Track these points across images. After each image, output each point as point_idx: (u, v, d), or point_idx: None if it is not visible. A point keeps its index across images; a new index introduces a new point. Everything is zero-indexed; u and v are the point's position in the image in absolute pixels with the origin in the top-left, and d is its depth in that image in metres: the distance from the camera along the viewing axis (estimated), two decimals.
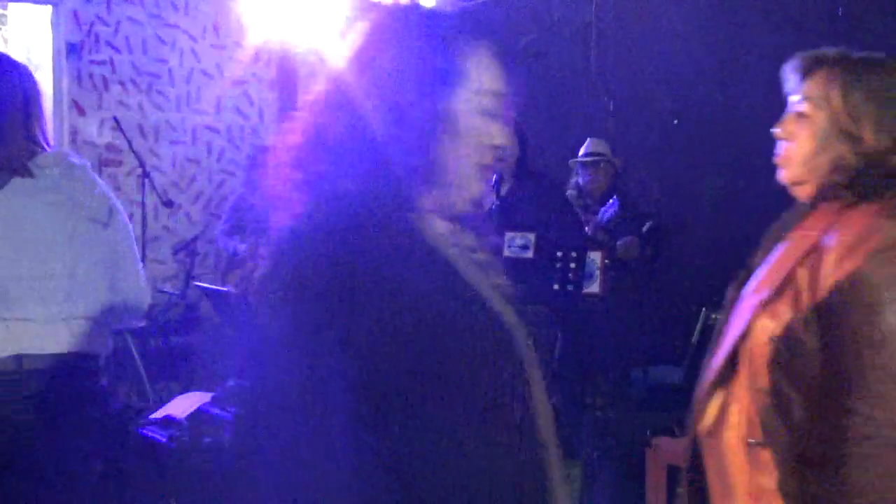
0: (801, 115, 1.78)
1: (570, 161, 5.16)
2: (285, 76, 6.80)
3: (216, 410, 3.86)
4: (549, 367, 4.48)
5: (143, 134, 6.18)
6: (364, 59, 1.36)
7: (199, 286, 5.61)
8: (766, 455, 1.68)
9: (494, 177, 4.11)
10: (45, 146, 2.47)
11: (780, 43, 5.39)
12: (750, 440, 1.69)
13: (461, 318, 1.24)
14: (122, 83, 6.08)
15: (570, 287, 3.80)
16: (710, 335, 5.44)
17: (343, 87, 1.36)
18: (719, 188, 5.61)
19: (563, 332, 4.97)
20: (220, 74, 6.49)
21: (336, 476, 1.17)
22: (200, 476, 3.66)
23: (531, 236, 4.05)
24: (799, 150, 1.78)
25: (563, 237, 4.02)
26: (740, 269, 1.89)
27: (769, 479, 1.66)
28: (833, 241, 1.63)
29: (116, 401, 3.98)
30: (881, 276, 1.58)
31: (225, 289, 5.52)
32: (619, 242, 4.69)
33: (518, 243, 4.06)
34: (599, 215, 4.78)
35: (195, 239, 5.96)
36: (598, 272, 4.47)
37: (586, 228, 4.81)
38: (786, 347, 1.66)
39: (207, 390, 4.27)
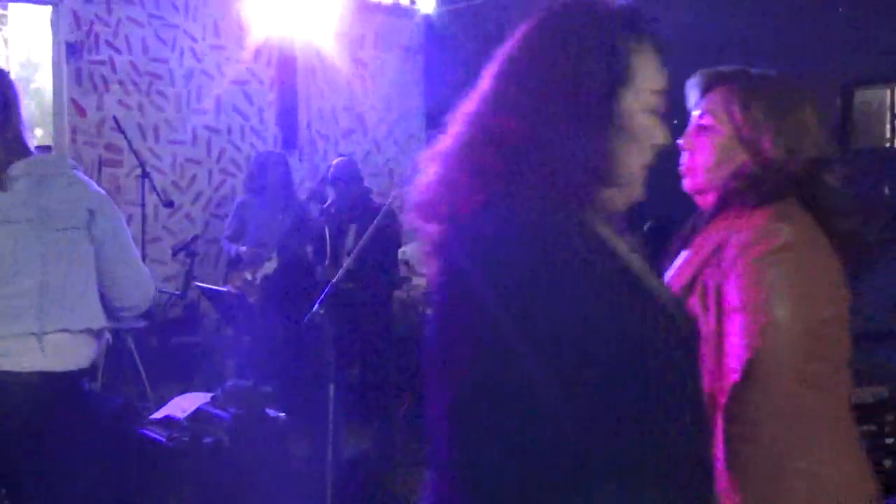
0: (703, 127, 1.88)
1: None
2: (285, 76, 6.81)
3: (216, 410, 3.87)
4: None
5: (143, 134, 6.18)
6: (534, 57, 1.39)
7: (199, 286, 5.62)
8: None
9: None
10: (23, 152, 2.43)
11: (779, 43, 5.39)
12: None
13: (641, 314, 1.30)
14: (121, 83, 6.08)
15: None
16: None
17: (515, 86, 1.38)
18: None
19: None
20: (220, 74, 6.49)
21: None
22: (200, 476, 3.66)
23: None
24: (702, 160, 1.88)
25: None
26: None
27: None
28: (733, 241, 1.73)
29: (116, 401, 3.98)
30: (773, 274, 1.68)
31: (225, 289, 5.53)
32: None
33: None
34: None
35: (195, 239, 5.96)
36: None
37: None
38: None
39: (207, 390, 4.28)
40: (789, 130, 1.83)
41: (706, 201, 1.90)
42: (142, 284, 2.59)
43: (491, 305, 1.23)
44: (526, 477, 1.23)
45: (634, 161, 1.41)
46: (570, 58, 1.35)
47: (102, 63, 6.02)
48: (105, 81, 6.02)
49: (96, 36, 6.00)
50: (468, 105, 1.45)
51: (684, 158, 1.92)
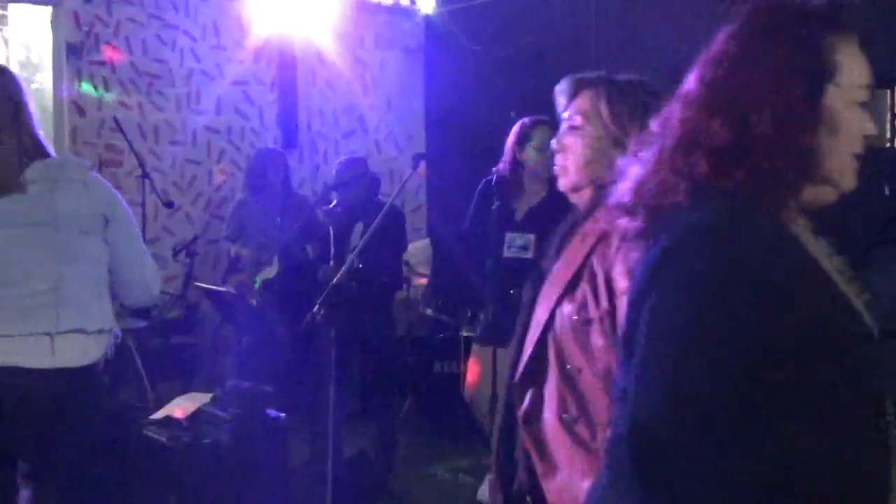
0: (574, 128, 2.01)
1: None
2: (285, 76, 6.81)
3: (216, 410, 3.87)
4: None
5: (143, 134, 6.18)
6: (740, 57, 1.41)
7: (199, 286, 5.62)
8: (581, 429, 1.83)
9: (495, 178, 4.12)
10: (40, 154, 2.46)
11: None
12: (564, 416, 1.84)
13: (826, 314, 1.34)
14: (122, 83, 6.09)
15: None
16: None
17: (722, 87, 1.41)
18: None
19: None
20: (220, 75, 6.49)
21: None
22: (200, 476, 3.66)
23: (531, 236, 4.05)
24: (575, 159, 2.01)
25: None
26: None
27: (586, 452, 1.81)
28: (616, 231, 1.76)
29: (116, 400, 3.99)
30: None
31: (225, 289, 5.53)
32: None
33: (518, 243, 4.06)
34: None
35: (195, 239, 5.96)
36: None
37: None
38: (586, 328, 1.84)
39: (207, 390, 4.28)
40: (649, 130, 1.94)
41: (582, 198, 2.02)
42: (149, 283, 2.65)
43: (679, 304, 1.30)
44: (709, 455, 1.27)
45: (844, 154, 1.44)
46: (776, 57, 1.39)
47: (102, 63, 6.02)
48: (105, 82, 6.02)
49: (96, 36, 6.00)
50: (672, 107, 1.51)
51: (558, 160, 2.05)
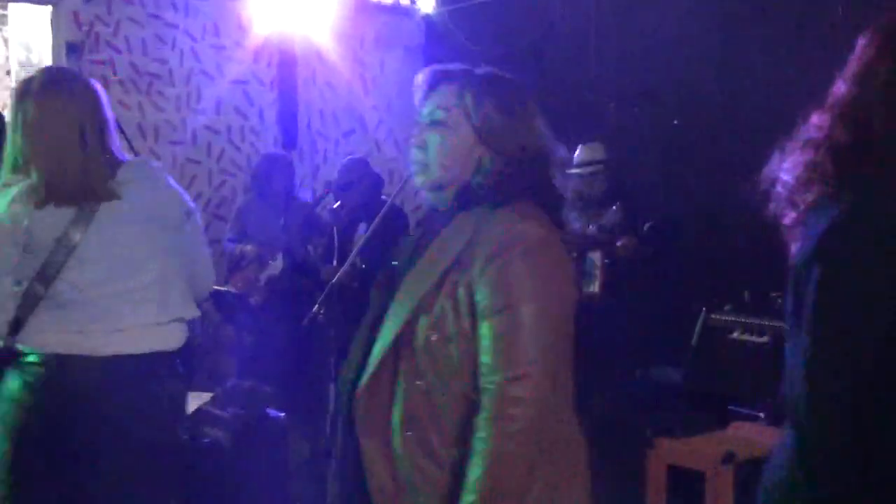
0: (437, 122, 1.90)
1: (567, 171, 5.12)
2: (285, 76, 6.81)
3: (216, 410, 3.87)
4: None
5: (143, 134, 6.18)
6: (869, 65, 1.60)
7: None
8: (429, 444, 1.79)
9: None
10: (120, 160, 2.63)
11: (779, 43, 5.39)
12: (409, 432, 1.79)
13: None
14: (121, 83, 6.08)
15: None
16: (710, 335, 5.47)
17: (869, 90, 1.57)
18: (719, 188, 5.60)
19: None
20: (220, 75, 6.49)
21: None
22: (200, 476, 3.66)
23: None
24: (439, 155, 1.89)
25: None
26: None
27: (434, 467, 1.77)
28: (481, 241, 1.77)
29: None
30: (524, 271, 1.75)
31: (225, 289, 5.52)
32: (619, 244, 4.68)
33: None
34: (603, 221, 4.76)
35: None
36: (597, 272, 4.47)
37: (591, 227, 4.80)
38: (443, 342, 1.78)
39: (207, 390, 4.28)
40: (521, 128, 1.88)
41: (443, 197, 1.92)
42: (209, 279, 2.85)
43: (848, 277, 1.48)
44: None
45: None
46: None
47: (102, 63, 6.01)
48: (105, 82, 6.01)
49: (96, 36, 5.99)
50: (821, 112, 1.66)
51: (417, 156, 1.94)
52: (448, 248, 1.81)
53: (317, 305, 3.31)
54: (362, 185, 5.31)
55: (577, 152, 5.11)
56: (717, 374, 4.83)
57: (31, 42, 6.28)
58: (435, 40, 7.33)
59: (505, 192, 1.83)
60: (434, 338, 1.78)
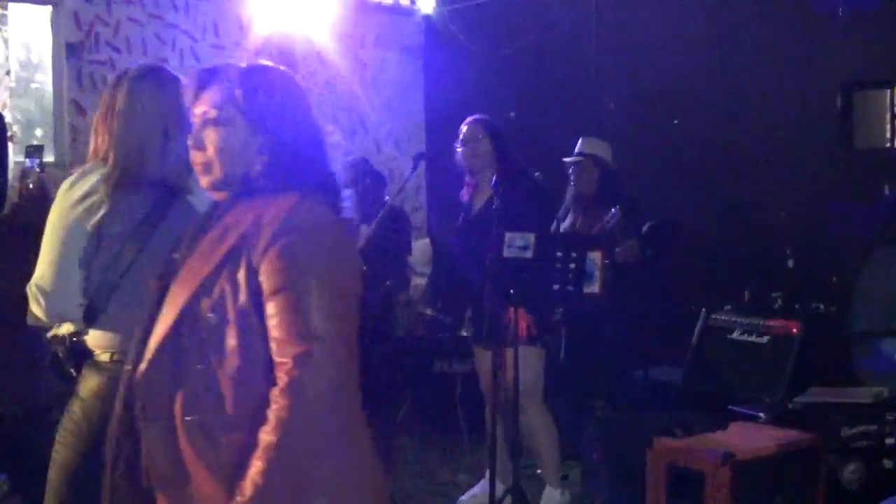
0: (212, 121, 1.92)
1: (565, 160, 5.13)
2: None
3: None
4: (556, 367, 4.50)
5: None
6: None
7: None
8: (210, 429, 1.79)
9: (494, 178, 4.11)
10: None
11: (779, 43, 5.39)
12: (188, 417, 1.80)
13: None
14: None
15: (570, 287, 3.80)
16: (710, 335, 5.47)
17: None
18: (719, 188, 5.61)
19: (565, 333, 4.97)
20: None
21: None
22: None
23: (531, 236, 4.04)
24: (219, 153, 1.91)
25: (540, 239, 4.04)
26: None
27: (214, 452, 1.78)
28: (264, 225, 1.81)
29: None
30: (303, 254, 1.80)
31: None
32: (617, 250, 4.67)
33: (518, 243, 4.06)
34: (603, 223, 4.76)
35: None
36: (597, 272, 4.47)
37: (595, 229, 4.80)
38: (223, 325, 1.80)
39: None
40: (293, 115, 1.95)
41: (225, 192, 1.94)
42: None
43: None
44: None
45: None
46: None
47: (102, 63, 6.01)
48: (105, 82, 6.01)
49: (96, 36, 5.99)
50: None
51: (196, 157, 1.94)
52: (229, 232, 1.84)
53: None
54: (362, 186, 5.31)
55: (578, 144, 5.12)
56: (717, 374, 4.83)
57: (31, 42, 6.28)
58: (435, 40, 7.34)
59: (284, 179, 1.88)
60: (214, 320, 1.80)
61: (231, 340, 1.79)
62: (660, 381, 5.04)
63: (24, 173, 3.53)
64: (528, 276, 3.90)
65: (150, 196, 2.48)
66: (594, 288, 4.43)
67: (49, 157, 5.66)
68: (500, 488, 4.03)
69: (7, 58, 6.23)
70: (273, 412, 1.74)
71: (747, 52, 5.53)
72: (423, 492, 4.79)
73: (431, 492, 4.77)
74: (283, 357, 1.76)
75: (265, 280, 1.78)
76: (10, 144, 4.22)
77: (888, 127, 4.78)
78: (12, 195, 3.61)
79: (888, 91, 4.76)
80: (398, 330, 5.72)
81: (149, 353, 1.85)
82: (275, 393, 1.75)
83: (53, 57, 5.95)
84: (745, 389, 4.59)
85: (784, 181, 5.28)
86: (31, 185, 3.44)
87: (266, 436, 1.73)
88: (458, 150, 4.38)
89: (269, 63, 2.11)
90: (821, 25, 5.14)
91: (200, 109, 1.94)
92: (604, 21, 6.22)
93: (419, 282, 6.32)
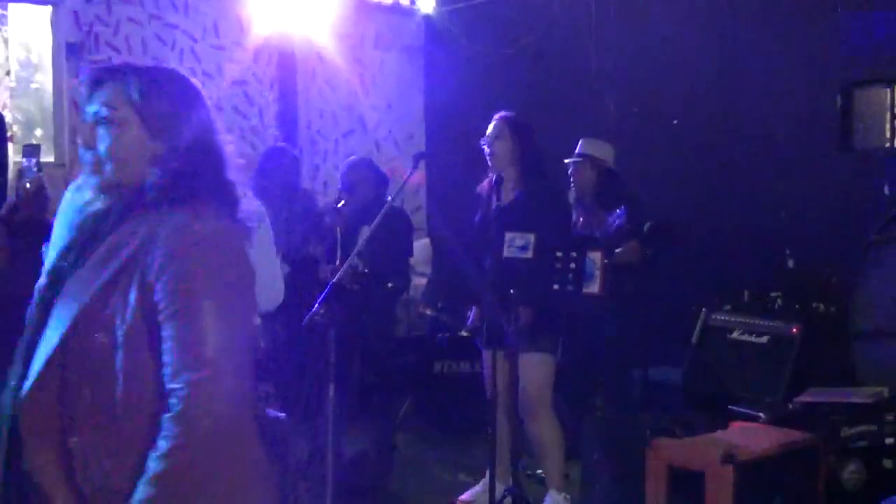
0: (105, 120, 1.83)
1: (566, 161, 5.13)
2: (285, 76, 6.80)
3: None
4: (556, 367, 4.49)
5: None
6: None
7: None
8: (96, 451, 1.73)
9: (494, 178, 4.11)
10: None
11: (779, 43, 5.39)
12: (73, 439, 1.73)
13: None
14: None
15: (570, 287, 3.80)
16: (710, 335, 5.46)
17: None
18: (719, 188, 5.61)
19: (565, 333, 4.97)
20: (219, 75, 6.49)
21: None
22: None
23: (531, 236, 4.04)
24: (111, 153, 1.82)
25: (549, 240, 4.00)
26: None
27: (103, 477, 1.72)
28: (159, 240, 1.75)
29: None
30: (200, 275, 1.73)
31: None
32: (618, 250, 4.67)
33: (518, 243, 4.06)
34: (608, 224, 4.75)
35: None
36: (597, 272, 4.47)
37: (596, 233, 4.79)
38: (113, 346, 1.72)
39: None
40: (191, 120, 1.87)
41: (115, 198, 1.84)
42: (280, 287, 2.86)
43: None
44: None
45: None
46: None
47: (102, 63, 6.01)
48: None
49: (96, 36, 5.99)
50: None
51: (86, 157, 1.85)
52: (122, 247, 1.76)
53: (316, 305, 3.30)
54: (364, 186, 5.31)
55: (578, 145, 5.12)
56: (717, 374, 4.83)
57: (31, 42, 6.28)
58: (435, 40, 7.33)
59: (181, 192, 1.81)
60: (103, 341, 1.72)
61: (120, 362, 1.71)
62: (660, 381, 5.03)
63: (22, 173, 3.51)
64: (527, 277, 3.91)
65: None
66: (594, 288, 4.43)
67: (49, 157, 5.66)
68: (499, 488, 4.03)
69: (7, 58, 6.23)
70: (164, 439, 1.67)
71: (747, 52, 5.53)
72: (423, 492, 4.79)
73: (431, 492, 4.77)
74: (176, 383, 1.69)
75: (160, 301, 1.71)
76: (9, 144, 4.22)
77: (888, 127, 4.77)
78: (10, 195, 3.60)
79: (888, 91, 4.76)
80: (398, 330, 5.72)
81: (34, 374, 1.75)
82: (166, 419, 1.68)
83: (53, 57, 5.95)
84: (745, 389, 4.59)
85: (784, 181, 5.28)
86: (28, 185, 3.42)
87: (155, 463, 1.67)
88: (484, 146, 4.31)
89: (167, 67, 1.98)
90: (821, 25, 5.14)
91: (93, 108, 1.84)
92: (604, 21, 6.22)
93: (419, 282, 6.32)
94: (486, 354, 4.29)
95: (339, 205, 5.27)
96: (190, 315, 1.71)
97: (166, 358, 1.71)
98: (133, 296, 1.72)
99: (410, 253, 5.46)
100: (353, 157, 5.70)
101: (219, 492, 1.74)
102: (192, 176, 1.83)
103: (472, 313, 4.55)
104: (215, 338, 1.72)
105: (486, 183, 4.25)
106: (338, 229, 5.18)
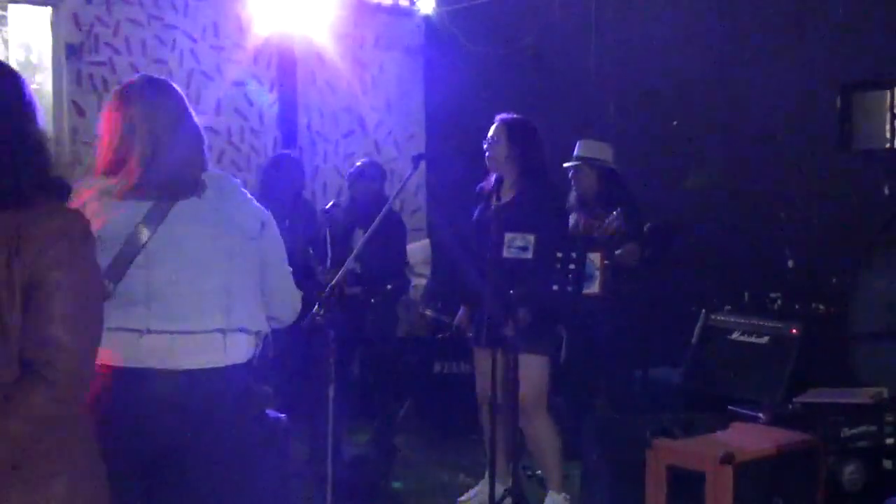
0: None
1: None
2: (285, 77, 6.81)
3: None
4: (556, 368, 4.49)
5: None
6: None
7: None
8: None
9: (494, 178, 4.11)
10: (206, 166, 2.65)
11: (779, 43, 5.39)
12: None
13: None
14: (121, 84, 6.08)
15: (569, 288, 3.79)
16: (709, 335, 5.45)
17: None
18: (718, 188, 5.60)
19: (566, 333, 4.97)
20: (219, 75, 6.49)
21: None
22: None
23: (531, 237, 4.04)
24: None
25: (549, 241, 4.00)
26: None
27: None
28: (26, 240, 1.77)
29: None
30: (53, 261, 1.78)
31: None
32: (617, 252, 4.67)
33: (518, 244, 4.06)
34: (605, 225, 4.75)
35: None
36: (597, 273, 4.47)
37: (595, 234, 4.79)
38: None
39: None
40: (14, 119, 1.85)
41: None
42: (293, 297, 2.80)
43: None
44: None
45: None
46: None
47: (102, 64, 6.02)
48: (105, 83, 6.01)
49: (96, 37, 6.00)
50: None
51: None
52: None
53: (316, 307, 3.31)
54: (369, 192, 5.30)
55: (576, 146, 5.11)
56: (716, 375, 4.83)
57: (31, 42, 6.28)
58: (435, 40, 7.34)
59: (24, 195, 1.81)
60: None
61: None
62: (660, 381, 5.04)
63: None
64: (527, 277, 3.91)
65: (151, 201, 2.47)
66: (594, 289, 4.43)
67: None
68: (499, 488, 4.03)
69: (7, 58, 6.24)
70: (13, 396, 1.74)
71: (747, 52, 5.53)
72: (424, 492, 4.79)
73: (431, 492, 4.77)
74: (26, 356, 1.76)
75: (33, 292, 1.76)
76: None
77: (888, 127, 4.78)
78: None
79: (888, 91, 4.76)
80: (398, 330, 5.72)
81: None
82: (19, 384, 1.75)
83: (53, 58, 5.95)
84: (744, 390, 4.59)
85: (784, 181, 5.28)
86: None
87: None
88: (485, 148, 4.33)
89: None
90: (821, 26, 5.14)
91: None
92: (604, 21, 6.22)
93: (419, 282, 6.33)
94: (480, 353, 4.29)
95: (329, 205, 5.27)
96: (38, 305, 1.77)
97: (17, 346, 1.77)
98: (15, 281, 1.75)
99: (404, 255, 5.46)
100: (359, 163, 5.60)
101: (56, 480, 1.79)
102: (24, 175, 1.83)
103: (461, 311, 4.56)
104: (63, 324, 1.78)
105: (489, 181, 4.26)
106: (327, 231, 5.17)
